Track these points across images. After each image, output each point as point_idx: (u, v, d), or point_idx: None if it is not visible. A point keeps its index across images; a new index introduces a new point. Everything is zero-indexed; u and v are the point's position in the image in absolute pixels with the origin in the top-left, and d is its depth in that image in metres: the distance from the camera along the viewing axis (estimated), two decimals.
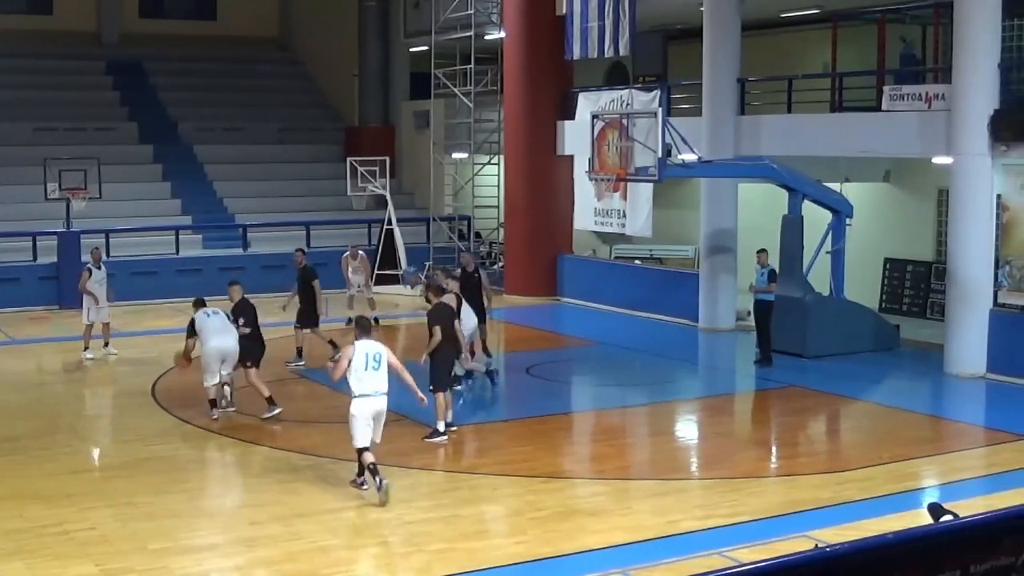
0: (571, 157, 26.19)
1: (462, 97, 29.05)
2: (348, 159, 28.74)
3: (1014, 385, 17.51)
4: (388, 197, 27.94)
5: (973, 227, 18.03)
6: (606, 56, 24.32)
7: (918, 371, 19.42)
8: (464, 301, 16.52)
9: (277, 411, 15.44)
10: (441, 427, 14.35)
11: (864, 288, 22.50)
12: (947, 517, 8.01)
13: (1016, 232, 17.76)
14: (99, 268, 20.10)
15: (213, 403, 15.46)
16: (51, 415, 16.43)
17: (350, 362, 11.93)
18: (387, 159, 28.63)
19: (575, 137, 25.36)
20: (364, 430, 11.92)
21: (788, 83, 22.36)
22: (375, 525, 11.53)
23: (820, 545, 5.79)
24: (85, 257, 22.10)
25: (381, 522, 11.54)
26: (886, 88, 20.10)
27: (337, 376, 12.12)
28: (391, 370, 12.09)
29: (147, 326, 22.66)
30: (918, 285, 23.78)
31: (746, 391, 18.96)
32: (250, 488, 12.94)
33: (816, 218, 20.66)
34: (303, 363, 18.82)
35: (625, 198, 24.57)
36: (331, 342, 18.79)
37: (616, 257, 27.92)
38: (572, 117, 26.10)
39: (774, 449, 15.37)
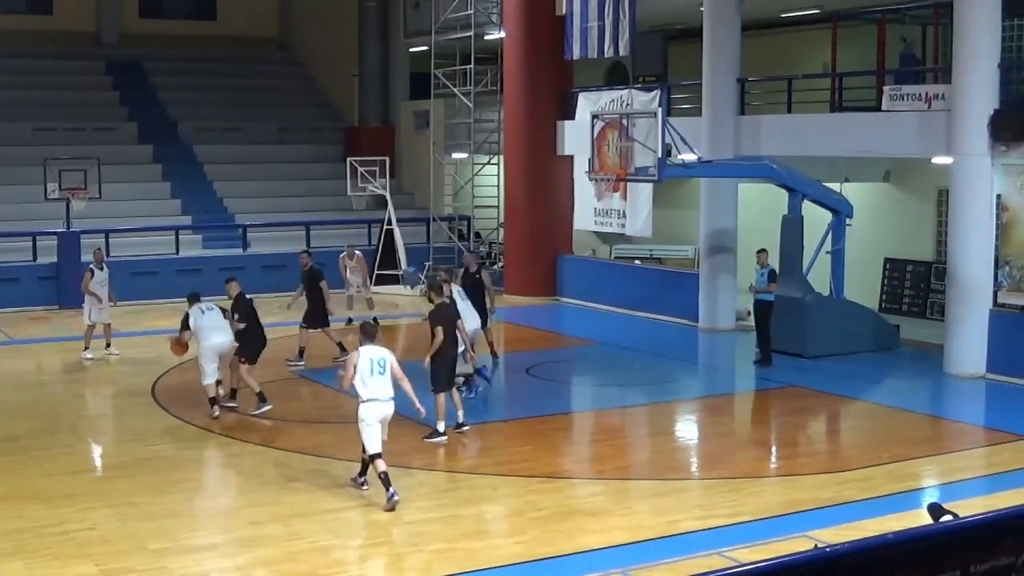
0: (571, 157, 26.18)
1: (462, 97, 29.04)
2: (348, 159, 28.74)
3: (1014, 385, 17.51)
4: (388, 197, 27.93)
5: (973, 227, 18.03)
6: (606, 56, 24.30)
7: (918, 371, 19.41)
8: (465, 301, 16.53)
9: (266, 408, 15.46)
10: (441, 427, 14.34)
11: (864, 288, 22.50)
12: (947, 517, 8.00)
13: (1016, 232, 17.75)
14: (101, 269, 20.12)
15: (213, 400, 15.49)
16: (51, 415, 16.43)
17: (356, 368, 11.94)
18: (387, 159, 28.62)
19: (575, 137, 25.35)
20: (375, 435, 11.89)
21: (788, 83, 22.36)
22: (375, 525, 11.52)
23: (820, 545, 5.80)
24: (87, 258, 22.08)
25: (381, 522, 11.54)
26: (886, 88, 20.10)
27: (346, 384, 12.06)
28: (393, 377, 12.08)
29: (147, 326, 22.63)
30: (918, 285, 23.77)
31: (746, 391, 18.95)
32: (250, 488, 12.92)
33: (816, 218, 20.65)
34: (303, 363, 18.80)
35: (625, 198, 24.56)
36: (340, 344, 18.75)
37: (616, 257, 27.90)
38: (572, 117, 26.08)
39: (774, 449, 15.37)
